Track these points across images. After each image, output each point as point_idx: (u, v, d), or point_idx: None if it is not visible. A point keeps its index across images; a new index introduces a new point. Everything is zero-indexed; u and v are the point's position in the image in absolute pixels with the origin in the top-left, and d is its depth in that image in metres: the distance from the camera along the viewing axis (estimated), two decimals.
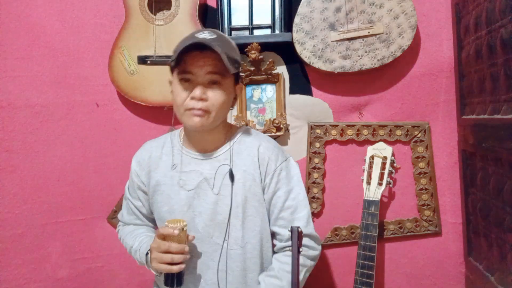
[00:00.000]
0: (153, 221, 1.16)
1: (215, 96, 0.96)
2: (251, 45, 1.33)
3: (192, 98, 0.94)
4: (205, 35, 0.95)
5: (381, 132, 1.38)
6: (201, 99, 0.94)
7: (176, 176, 1.04)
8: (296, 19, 1.31)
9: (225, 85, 0.98)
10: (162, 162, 1.07)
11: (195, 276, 1.03)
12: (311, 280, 1.47)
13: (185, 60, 0.94)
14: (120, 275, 1.50)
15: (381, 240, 1.40)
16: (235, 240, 1.01)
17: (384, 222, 1.40)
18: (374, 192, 1.27)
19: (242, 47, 1.32)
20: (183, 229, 0.93)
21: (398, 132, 1.37)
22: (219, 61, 0.93)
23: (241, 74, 1.37)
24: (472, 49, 1.20)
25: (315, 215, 1.44)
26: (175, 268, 0.92)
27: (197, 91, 0.94)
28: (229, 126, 1.11)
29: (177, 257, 0.92)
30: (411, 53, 1.35)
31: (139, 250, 1.03)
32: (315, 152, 1.42)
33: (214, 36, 0.95)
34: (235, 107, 1.39)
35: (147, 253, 1.00)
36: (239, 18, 1.38)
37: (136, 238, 1.08)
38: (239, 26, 1.38)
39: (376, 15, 1.28)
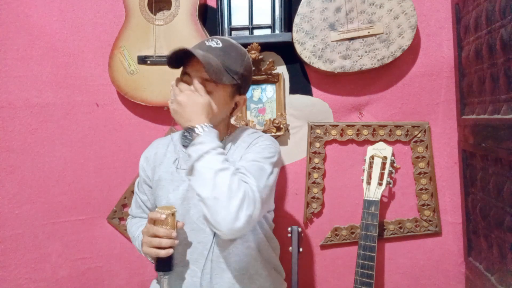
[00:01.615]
0: None
1: None
2: (251, 45, 1.33)
3: None
4: (212, 43, 0.99)
5: (381, 132, 1.38)
6: None
7: (177, 171, 1.08)
8: (296, 19, 1.31)
9: (217, 93, 0.99)
10: (166, 159, 1.12)
11: (191, 266, 1.05)
12: (312, 280, 1.47)
13: (186, 62, 1.00)
14: (120, 275, 1.50)
15: (381, 240, 1.40)
16: None
17: (384, 222, 1.40)
18: (374, 192, 1.27)
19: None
20: (172, 214, 0.95)
21: (398, 132, 1.37)
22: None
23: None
24: (472, 49, 1.20)
25: (315, 215, 1.44)
26: (162, 253, 0.93)
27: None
28: (228, 127, 1.13)
29: (164, 242, 0.93)
30: (411, 53, 1.35)
31: (138, 237, 1.08)
32: (315, 152, 1.42)
33: (220, 45, 0.98)
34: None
35: None
36: (239, 18, 1.38)
37: (139, 228, 1.12)
38: (239, 26, 1.38)
39: (376, 15, 1.28)
